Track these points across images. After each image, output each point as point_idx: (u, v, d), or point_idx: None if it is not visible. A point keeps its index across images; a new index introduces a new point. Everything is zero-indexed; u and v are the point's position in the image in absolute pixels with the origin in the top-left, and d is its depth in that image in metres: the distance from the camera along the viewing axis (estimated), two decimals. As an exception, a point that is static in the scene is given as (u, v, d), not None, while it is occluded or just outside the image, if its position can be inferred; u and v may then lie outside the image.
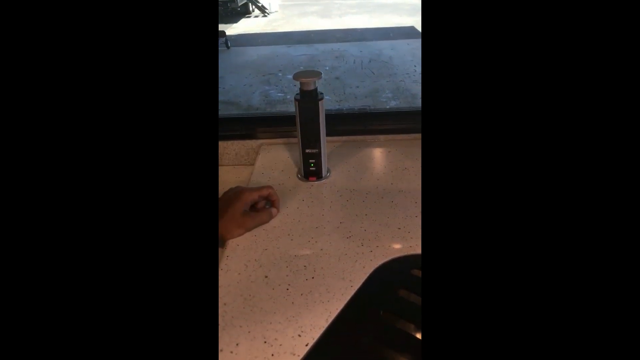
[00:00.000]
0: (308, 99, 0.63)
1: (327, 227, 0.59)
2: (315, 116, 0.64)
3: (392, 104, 3.66)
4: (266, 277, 0.51)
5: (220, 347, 0.42)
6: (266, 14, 8.39)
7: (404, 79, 4.25)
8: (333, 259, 0.53)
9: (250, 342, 0.42)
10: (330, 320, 0.44)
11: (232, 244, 0.56)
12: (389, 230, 0.57)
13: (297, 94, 0.64)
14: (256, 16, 8.39)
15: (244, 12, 8.39)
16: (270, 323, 0.44)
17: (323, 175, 0.70)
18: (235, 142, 0.82)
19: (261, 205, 0.62)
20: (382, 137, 0.82)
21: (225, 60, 5.21)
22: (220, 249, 0.56)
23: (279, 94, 3.96)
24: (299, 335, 0.43)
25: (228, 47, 5.64)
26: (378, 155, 0.79)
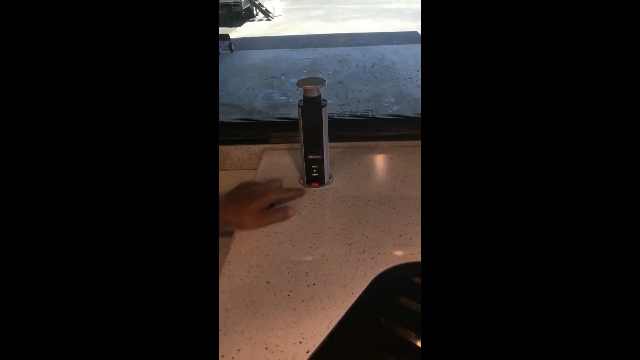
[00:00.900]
0: (311, 105, 0.63)
1: (329, 233, 0.59)
2: (318, 122, 0.64)
3: (395, 109, 3.67)
4: (268, 283, 0.51)
5: (221, 353, 0.42)
6: (270, 18, 8.43)
7: (407, 83, 4.26)
8: (334, 265, 0.53)
9: (252, 348, 0.43)
10: (331, 327, 0.44)
11: (234, 249, 0.56)
12: (391, 237, 0.58)
13: (300, 100, 0.64)
14: (260, 20, 8.43)
15: (248, 16, 8.44)
16: (272, 329, 0.44)
17: (325, 182, 0.70)
18: (238, 146, 0.83)
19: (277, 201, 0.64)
20: (384, 143, 0.82)
21: (229, 63, 5.23)
22: (221, 253, 0.56)
23: (282, 98, 3.98)
24: (300, 342, 0.43)
25: (231, 51, 5.66)
26: (380, 161, 0.79)
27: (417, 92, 3.98)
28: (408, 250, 0.55)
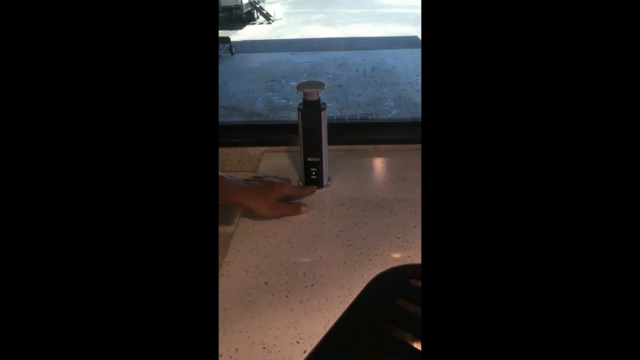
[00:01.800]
0: (311, 108, 0.64)
1: (327, 235, 0.60)
2: (317, 125, 0.65)
3: (394, 112, 3.68)
4: (266, 283, 0.51)
5: (219, 352, 0.42)
6: (270, 22, 8.46)
7: (406, 87, 4.28)
8: (332, 267, 0.53)
9: (250, 347, 0.43)
10: (328, 327, 0.45)
11: (233, 250, 0.57)
12: (388, 239, 0.58)
13: (300, 103, 0.65)
14: (261, 23, 8.46)
15: (249, 19, 8.47)
16: (270, 329, 0.45)
17: (324, 184, 0.71)
18: (238, 149, 0.83)
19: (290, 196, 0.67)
20: (382, 146, 0.83)
21: (229, 66, 5.25)
22: (220, 254, 0.56)
23: (282, 101, 3.99)
24: (298, 342, 0.43)
25: (232, 54, 5.68)
26: (379, 164, 0.80)
27: (417, 97, 4.00)
28: (405, 253, 0.56)
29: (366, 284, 0.51)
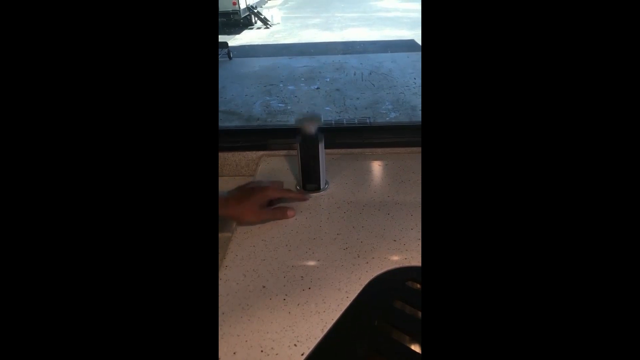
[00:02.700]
0: (309, 142, 0.66)
1: (325, 238, 0.60)
2: (315, 155, 0.67)
3: (392, 116, 3.69)
4: (264, 287, 0.51)
5: (218, 356, 0.43)
6: (268, 26, 8.50)
7: (404, 91, 4.29)
8: (330, 269, 0.54)
9: (247, 350, 0.43)
10: (325, 330, 0.45)
11: (231, 254, 0.57)
12: (385, 242, 0.59)
13: (299, 136, 0.67)
14: (258, 28, 8.49)
15: (247, 24, 8.50)
16: (267, 332, 0.45)
17: (321, 187, 0.72)
18: (236, 153, 0.84)
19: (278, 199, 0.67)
20: (379, 150, 0.83)
21: (227, 70, 5.27)
22: (219, 258, 0.57)
23: (280, 105, 4.00)
24: (295, 345, 0.44)
25: (230, 58, 5.70)
26: (376, 168, 0.80)
27: (414, 100, 4.01)
28: (402, 255, 0.56)
29: (363, 286, 0.51)
